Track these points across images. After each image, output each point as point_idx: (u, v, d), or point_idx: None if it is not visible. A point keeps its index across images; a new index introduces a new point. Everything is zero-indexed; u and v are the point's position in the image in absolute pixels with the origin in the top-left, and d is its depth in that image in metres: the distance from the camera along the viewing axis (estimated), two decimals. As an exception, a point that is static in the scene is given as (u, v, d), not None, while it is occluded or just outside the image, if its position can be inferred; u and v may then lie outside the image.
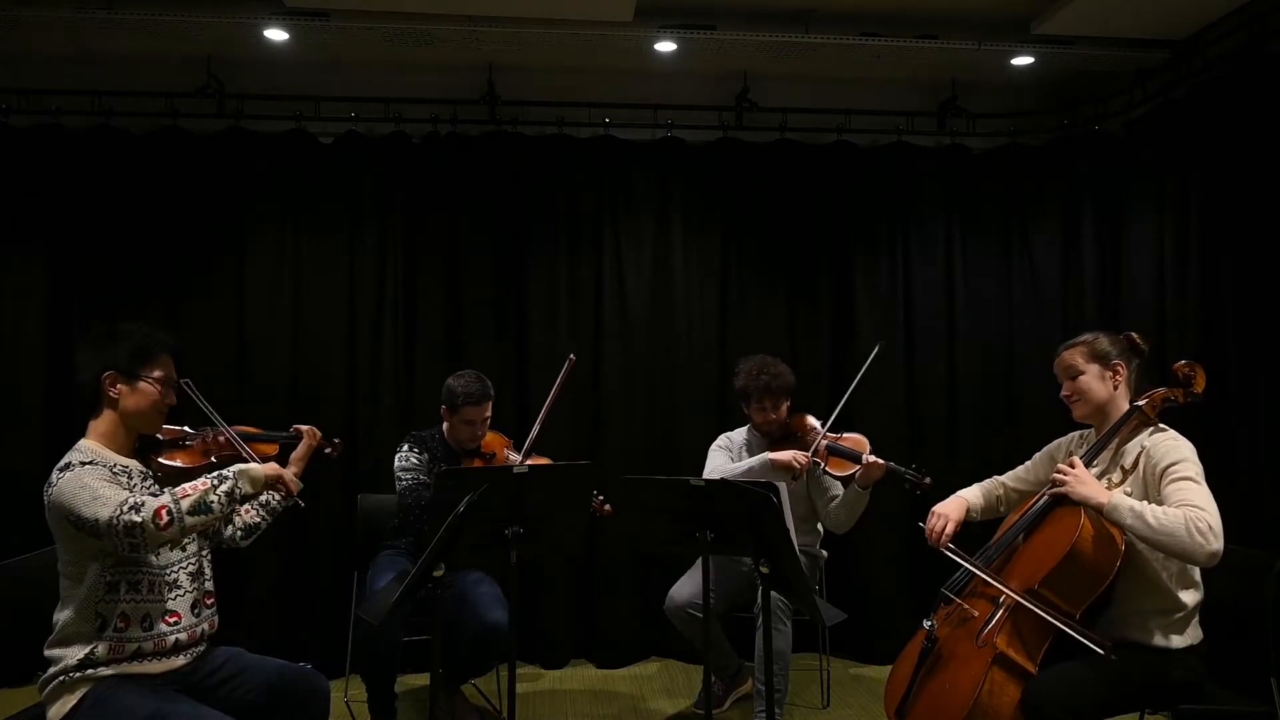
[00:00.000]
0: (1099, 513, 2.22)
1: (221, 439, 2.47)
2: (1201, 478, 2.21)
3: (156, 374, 2.23)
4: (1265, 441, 3.29)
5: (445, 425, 3.37)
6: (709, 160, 4.38)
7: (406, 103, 4.21)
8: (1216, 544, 2.07)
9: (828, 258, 4.42)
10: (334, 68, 4.24)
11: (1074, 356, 2.47)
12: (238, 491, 2.10)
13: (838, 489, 3.37)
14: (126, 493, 2.03)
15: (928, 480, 2.99)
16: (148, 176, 4.05)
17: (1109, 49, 4.00)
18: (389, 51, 4.04)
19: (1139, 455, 2.33)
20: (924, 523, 2.56)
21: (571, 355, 3.30)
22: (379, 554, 3.35)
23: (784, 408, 3.44)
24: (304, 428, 2.71)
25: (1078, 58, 4.10)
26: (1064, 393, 2.50)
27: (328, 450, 2.82)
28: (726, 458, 3.52)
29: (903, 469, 3.06)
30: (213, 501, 2.04)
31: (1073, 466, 2.33)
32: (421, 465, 3.25)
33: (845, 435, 3.34)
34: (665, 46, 3.99)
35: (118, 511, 1.95)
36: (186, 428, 2.45)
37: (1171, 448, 2.27)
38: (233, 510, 2.11)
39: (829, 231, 4.41)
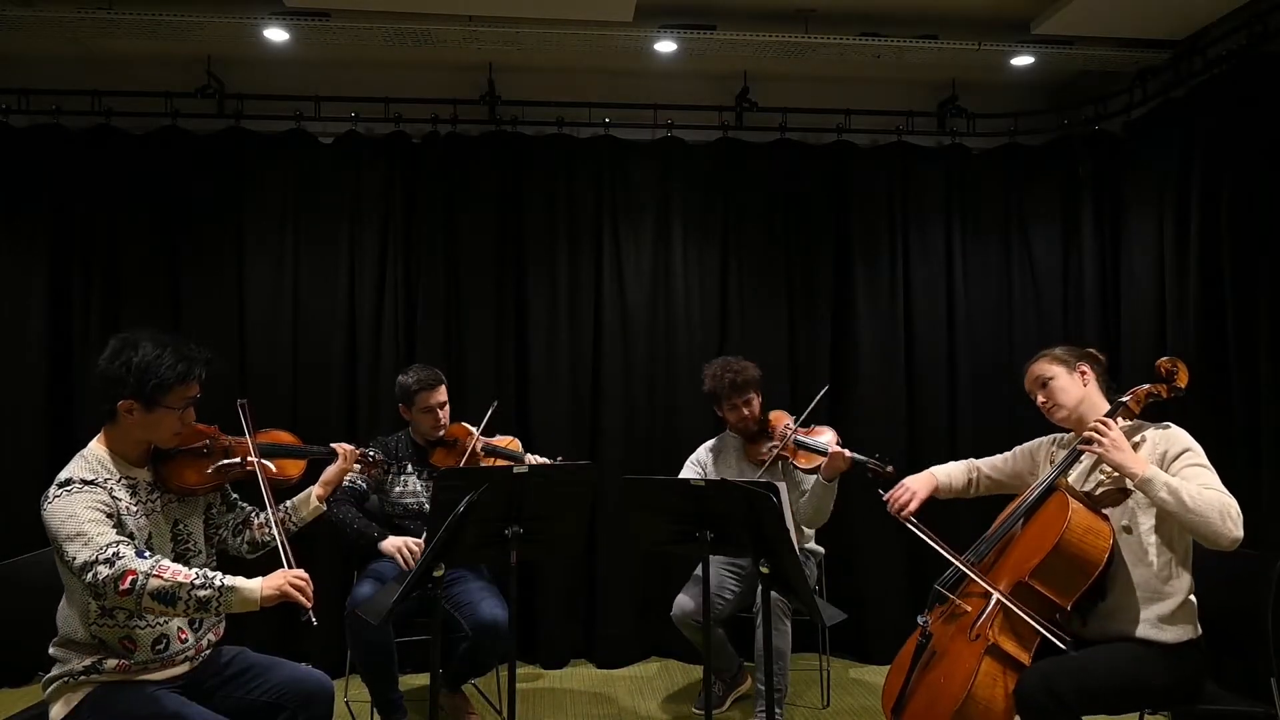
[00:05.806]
0: (1131, 481, 2.21)
1: (243, 448, 2.36)
2: (1211, 469, 2.24)
3: (176, 401, 2.12)
4: (1266, 441, 3.29)
5: (410, 424, 3.46)
6: (709, 160, 4.37)
7: (406, 103, 4.21)
8: (1240, 531, 2.12)
9: (828, 257, 4.41)
10: (334, 68, 4.24)
11: (1039, 366, 2.53)
12: (214, 604, 1.97)
13: (808, 483, 3.33)
14: (112, 535, 1.97)
15: (890, 469, 3.03)
16: (148, 177, 4.06)
17: (1109, 49, 4.00)
18: (389, 51, 4.03)
19: (1137, 447, 2.32)
20: (883, 490, 2.68)
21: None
22: (367, 566, 3.33)
23: (756, 404, 3.42)
24: (342, 446, 2.63)
25: (1078, 58, 4.10)
26: (1040, 402, 2.53)
27: (371, 468, 2.86)
28: (693, 474, 3.51)
29: (865, 458, 3.08)
30: (181, 598, 1.94)
31: (1108, 428, 2.28)
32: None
33: (814, 428, 3.37)
34: (665, 46, 3.99)
35: (93, 556, 1.91)
36: (216, 430, 2.37)
37: (1180, 437, 2.30)
38: (201, 614, 1.99)
39: (829, 231, 4.41)
